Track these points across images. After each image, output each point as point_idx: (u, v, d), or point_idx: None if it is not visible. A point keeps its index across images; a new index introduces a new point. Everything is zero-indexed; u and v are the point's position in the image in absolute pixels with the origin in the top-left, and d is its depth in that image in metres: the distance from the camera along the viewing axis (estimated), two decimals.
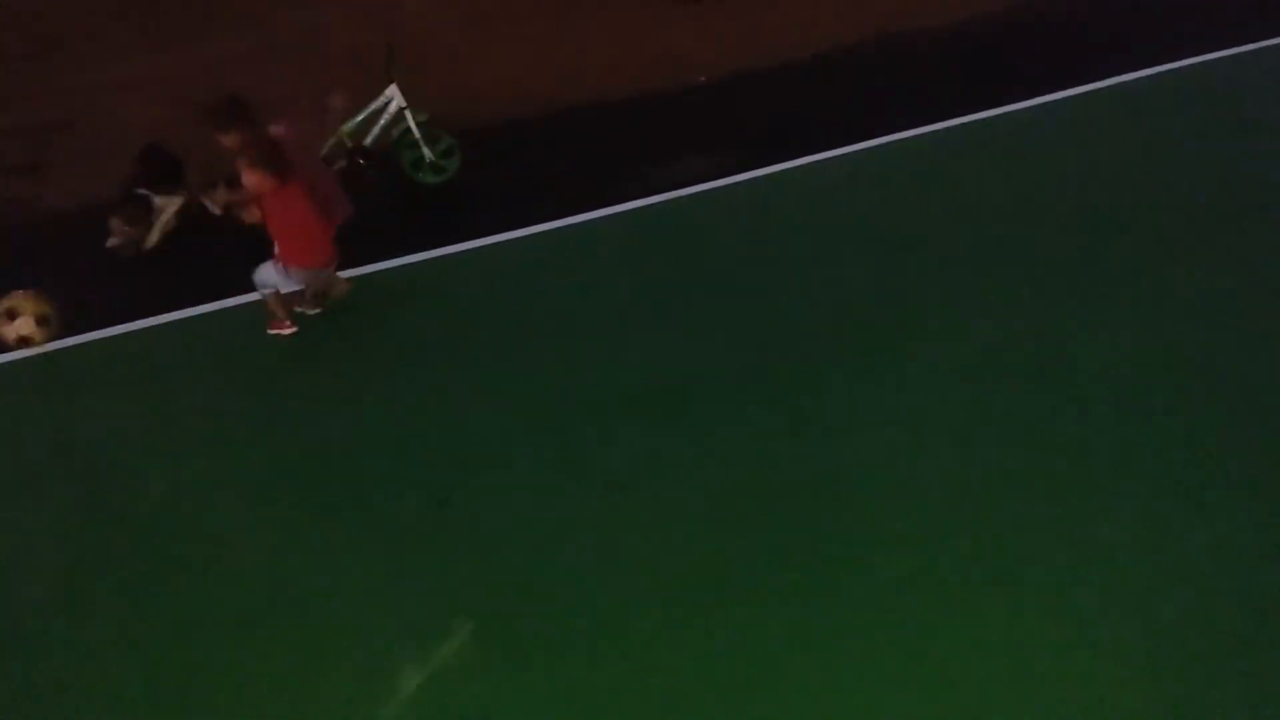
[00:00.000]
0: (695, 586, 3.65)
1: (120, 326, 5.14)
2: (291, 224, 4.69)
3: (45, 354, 4.88)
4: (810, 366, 4.70)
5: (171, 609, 3.67)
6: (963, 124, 6.74)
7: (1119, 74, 7.24)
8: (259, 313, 5.01)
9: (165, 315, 5.20)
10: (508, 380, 4.69)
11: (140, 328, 5.15)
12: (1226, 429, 4.27)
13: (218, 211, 5.75)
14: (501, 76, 7.71)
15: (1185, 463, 4.12)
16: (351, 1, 8.99)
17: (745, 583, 3.66)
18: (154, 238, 5.69)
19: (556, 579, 3.71)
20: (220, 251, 5.60)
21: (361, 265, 5.47)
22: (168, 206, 5.70)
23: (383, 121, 6.08)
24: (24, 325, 4.69)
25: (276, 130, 4.83)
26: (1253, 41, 7.66)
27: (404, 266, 5.55)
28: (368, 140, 6.12)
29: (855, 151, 6.48)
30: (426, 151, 6.17)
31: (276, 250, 4.76)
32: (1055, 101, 6.94)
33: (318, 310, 5.14)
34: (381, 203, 6.13)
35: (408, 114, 6.05)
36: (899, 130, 6.66)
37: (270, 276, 4.80)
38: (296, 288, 4.93)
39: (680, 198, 6.06)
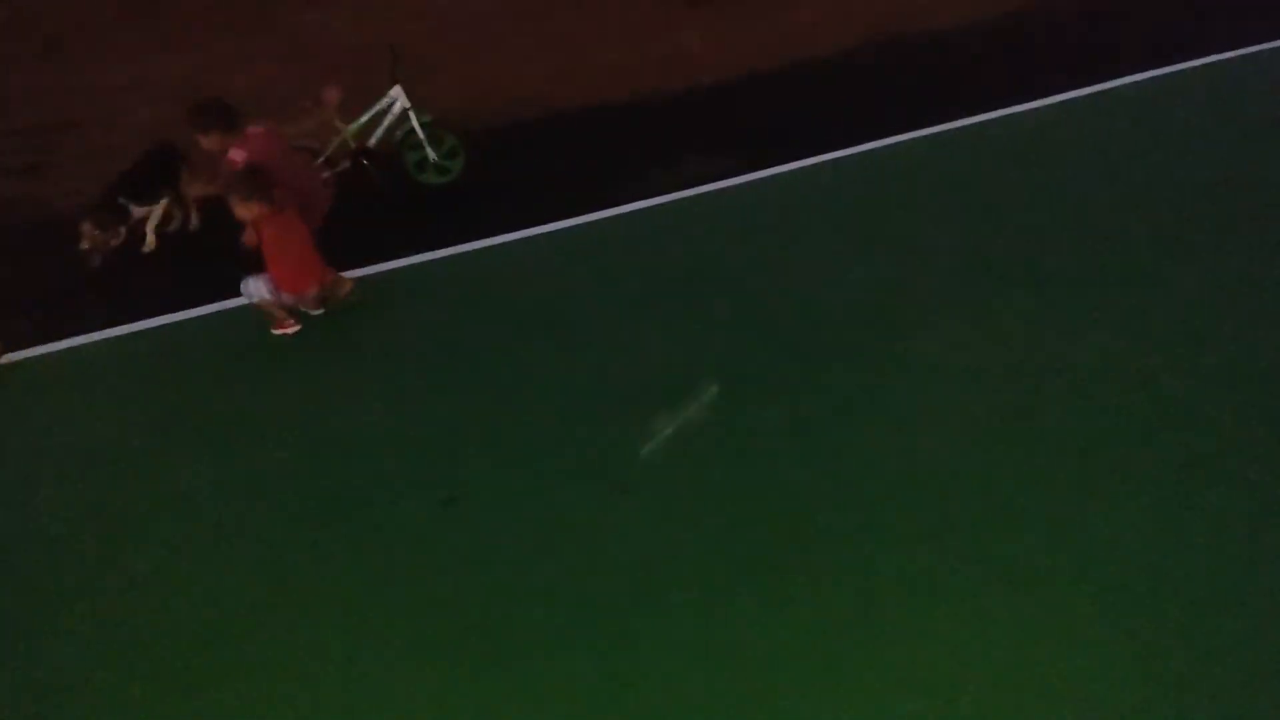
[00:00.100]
0: (698, 587, 3.66)
1: (123, 327, 5.15)
2: (287, 252, 4.74)
3: (49, 355, 4.90)
4: (813, 367, 4.71)
5: (173, 609, 3.68)
6: (966, 125, 6.76)
7: (1124, 75, 7.26)
8: (261, 313, 5.03)
9: (168, 316, 5.21)
10: (512, 380, 4.71)
11: (143, 328, 5.16)
12: (1229, 429, 4.28)
13: (195, 220, 5.76)
14: (506, 77, 7.73)
15: (1186, 462, 4.13)
16: (355, 3, 9.02)
17: (751, 583, 3.67)
18: (150, 240, 5.68)
19: (560, 579, 3.72)
20: (223, 252, 5.60)
21: (365, 266, 5.49)
22: (149, 214, 5.63)
23: (387, 122, 6.10)
24: None
25: (256, 130, 4.86)
26: (1254, 43, 7.69)
27: (408, 267, 5.56)
28: (372, 141, 6.14)
29: (859, 153, 6.50)
30: (430, 152, 6.19)
31: (269, 272, 4.79)
32: (1058, 103, 6.96)
33: (320, 310, 5.15)
34: (385, 203, 6.15)
35: (412, 115, 6.06)
36: (902, 132, 6.68)
37: (259, 290, 4.82)
38: (284, 303, 4.93)
39: (684, 199, 6.08)
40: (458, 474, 4.21)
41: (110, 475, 4.30)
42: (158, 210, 5.65)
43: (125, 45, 8.23)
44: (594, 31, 8.47)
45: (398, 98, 6.05)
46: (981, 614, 3.54)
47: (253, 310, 5.03)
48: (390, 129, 6.13)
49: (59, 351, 5.00)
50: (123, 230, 5.53)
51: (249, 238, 4.73)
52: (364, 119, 6.08)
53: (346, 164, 6.11)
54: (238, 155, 4.73)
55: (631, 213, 5.97)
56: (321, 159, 6.02)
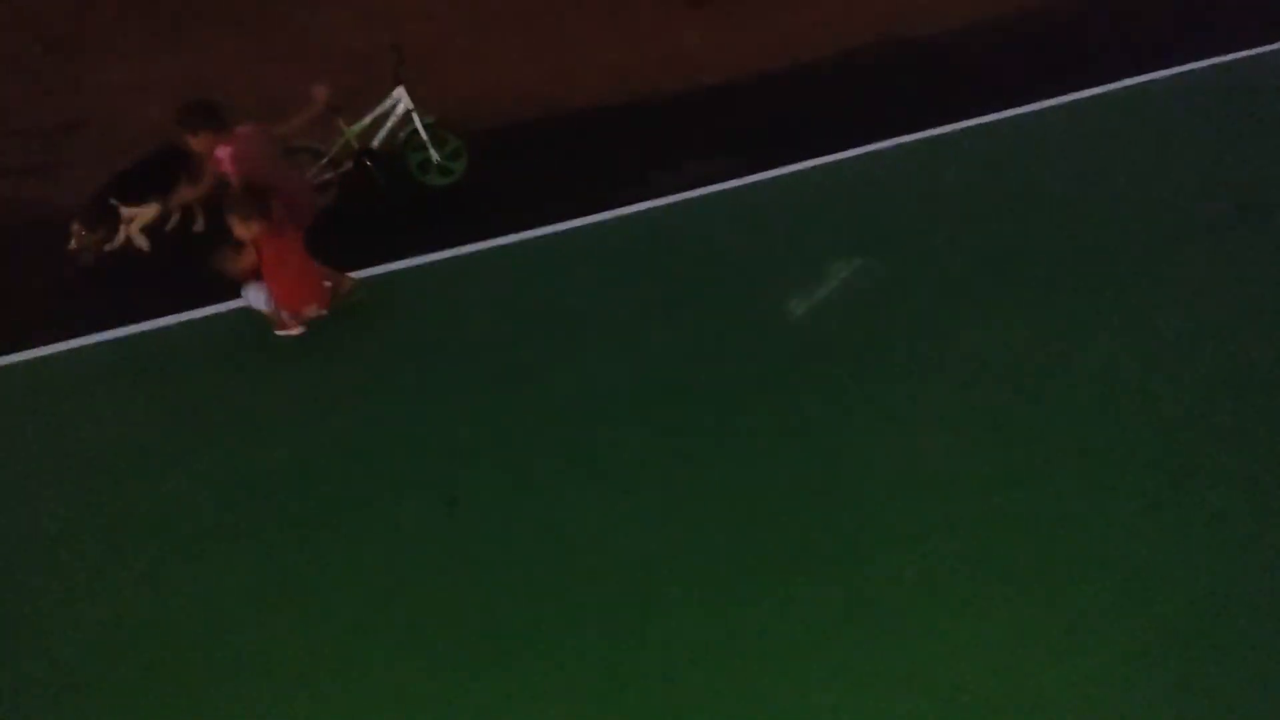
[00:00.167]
0: (702, 588, 3.68)
1: (129, 328, 5.18)
2: (287, 273, 4.75)
3: (54, 355, 4.94)
4: (814, 367, 4.72)
5: (173, 609, 3.70)
6: (970, 126, 6.75)
7: (1127, 77, 7.24)
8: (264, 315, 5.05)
9: (173, 316, 5.23)
10: (515, 382, 4.72)
11: (149, 329, 5.19)
12: (1228, 429, 4.28)
13: (201, 223, 5.72)
14: (508, 78, 7.73)
15: (1186, 462, 4.13)
16: (360, 4, 9.03)
17: (752, 583, 3.69)
18: (118, 240, 5.55)
19: (561, 580, 3.74)
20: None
21: (369, 267, 5.51)
22: (138, 216, 5.54)
23: (390, 124, 6.11)
24: None
25: (245, 130, 4.88)
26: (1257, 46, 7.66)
27: (411, 268, 5.58)
28: (374, 142, 6.15)
29: (860, 154, 6.50)
30: (433, 153, 6.20)
31: (270, 291, 4.81)
32: (1061, 105, 6.94)
33: (324, 312, 5.17)
34: (388, 205, 6.17)
35: (415, 116, 6.08)
36: (904, 133, 6.67)
37: (258, 300, 4.84)
38: (283, 317, 4.96)
39: (687, 200, 6.09)
40: (459, 475, 4.23)
41: (112, 476, 4.33)
42: (145, 213, 5.56)
43: (131, 45, 8.25)
44: (596, 32, 8.47)
45: (401, 99, 6.06)
46: (981, 614, 3.55)
47: (255, 311, 5.06)
48: (393, 130, 6.14)
49: (64, 352, 5.03)
50: (118, 230, 5.49)
51: (248, 259, 4.72)
52: (367, 120, 6.09)
53: (349, 165, 6.12)
54: (224, 154, 4.77)
55: (633, 214, 5.98)
56: (325, 160, 6.03)
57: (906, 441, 4.28)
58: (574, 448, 4.34)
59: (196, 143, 4.78)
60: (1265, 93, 7.02)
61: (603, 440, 4.37)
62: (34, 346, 5.09)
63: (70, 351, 5.06)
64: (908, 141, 6.61)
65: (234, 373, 4.85)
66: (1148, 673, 3.34)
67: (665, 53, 8.08)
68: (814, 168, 6.38)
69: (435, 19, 8.71)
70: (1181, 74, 7.29)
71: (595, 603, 3.65)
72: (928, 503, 3.99)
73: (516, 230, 5.83)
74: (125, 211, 5.50)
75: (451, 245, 5.73)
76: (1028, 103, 6.97)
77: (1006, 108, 6.89)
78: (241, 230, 4.67)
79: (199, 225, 5.75)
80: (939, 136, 6.64)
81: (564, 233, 5.86)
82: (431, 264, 5.61)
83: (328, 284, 5.09)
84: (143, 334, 5.17)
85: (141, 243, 5.64)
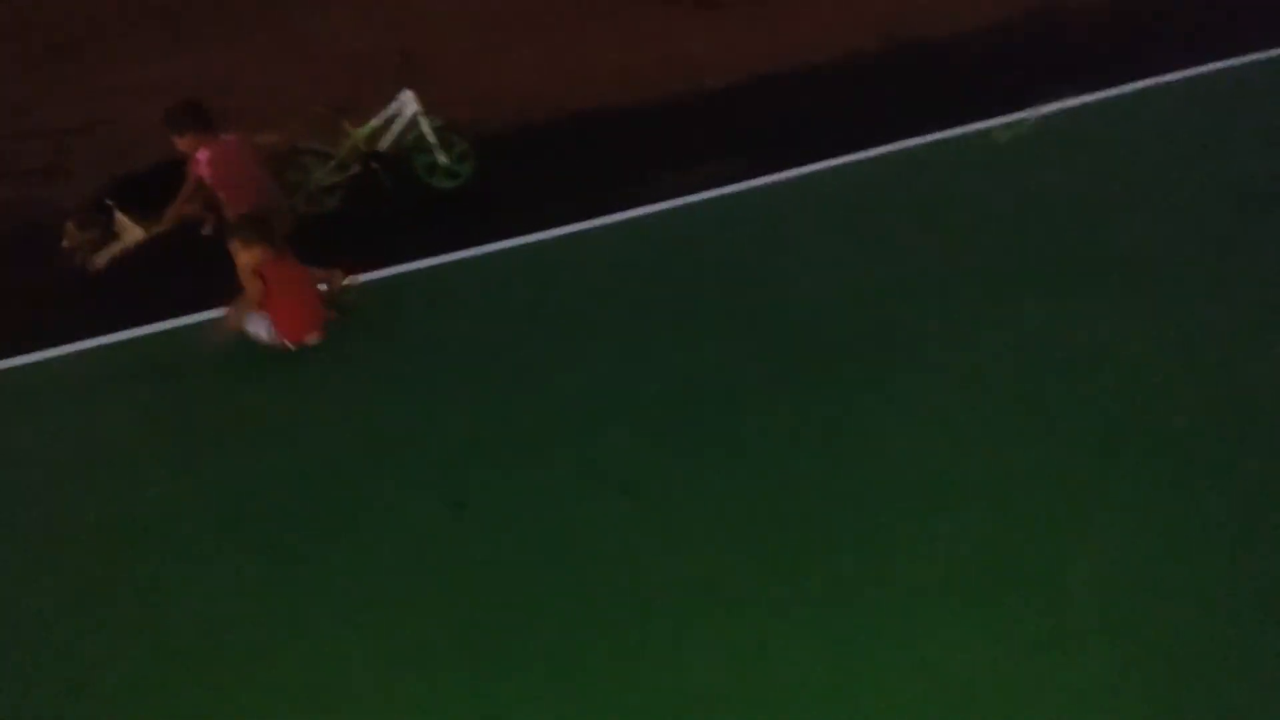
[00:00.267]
0: (711, 593, 3.67)
1: (132, 330, 5.19)
2: (289, 300, 4.76)
3: (62, 356, 4.95)
4: (825, 372, 4.71)
5: (177, 614, 3.71)
6: (977, 129, 6.74)
7: (1134, 80, 7.23)
8: None
9: (181, 318, 5.24)
10: (522, 385, 4.73)
11: (156, 330, 5.20)
12: (1240, 432, 4.27)
13: (209, 226, 5.68)
14: (515, 81, 7.75)
15: (1199, 465, 4.12)
16: (367, 6, 9.05)
17: (762, 589, 3.68)
18: (103, 259, 5.41)
19: (572, 584, 3.74)
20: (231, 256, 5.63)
21: (375, 269, 5.52)
22: (128, 231, 5.42)
23: (397, 126, 6.13)
24: None
25: (229, 137, 4.90)
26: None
27: (418, 271, 5.59)
28: (382, 145, 6.17)
29: (866, 158, 6.50)
30: (441, 156, 6.21)
31: (270, 319, 4.80)
32: (1068, 108, 6.93)
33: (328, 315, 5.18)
34: (395, 207, 6.19)
35: (422, 119, 6.09)
36: (909, 135, 6.67)
37: (258, 331, 4.84)
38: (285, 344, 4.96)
39: (691, 203, 6.09)
40: (466, 479, 4.23)
41: (114, 479, 4.32)
42: (132, 234, 5.39)
43: (138, 48, 8.29)
44: (601, 35, 8.48)
45: (408, 102, 6.07)
46: (987, 617, 3.54)
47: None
48: (400, 133, 6.15)
49: (68, 355, 5.05)
50: (111, 234, 5.40)
51: (253, 285, 4.70)
52: (374, 123, 6.11)
53: (356, 168, 6.14)
54: (203, 156, 4.80)
55: (638, 217, 5.98)
56: (332, 162, 6.05)
57: (914, 444, 4.27)
58: (581, 451, 4.34)
59: (181, 143, 4.83)
60: (1276, 95, 7.00)
61: (609, 444, 4.36)
62: (37, 349, 5.10)
63: (74, 354, 5.07)
64: (912, 144, 6.60)
65: (238, 376, 4.85)
66: (1153, 678, 3.34)
67: (670, 55, 8.09)
68: (820, 170, 6.38)
69: (441, 22, 8.73)
70: (1189, 77, 7.27)
71: (601, 607, 3.64)
72: (935, 506, 3.98)
73: (523, 233, 5.83)
74: (119, 217, 5.43)
75: (457, 248, 5.73)
76: (1035, 105, 6.96)
77: (1014, 110, 6.88)
78: (243, 255, 4.67)
79: (207, 229, 5.76)
80: (943, 140, 6.63)
81: (570, 235, 5.86)
82: (437, 267, 5.62)
83: (323, 287, 5.09)
84: (145, 337, 5.18)
85: (102, 261, 5.44)
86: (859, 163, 6.46)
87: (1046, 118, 3.85)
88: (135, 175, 5.54)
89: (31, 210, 6.27)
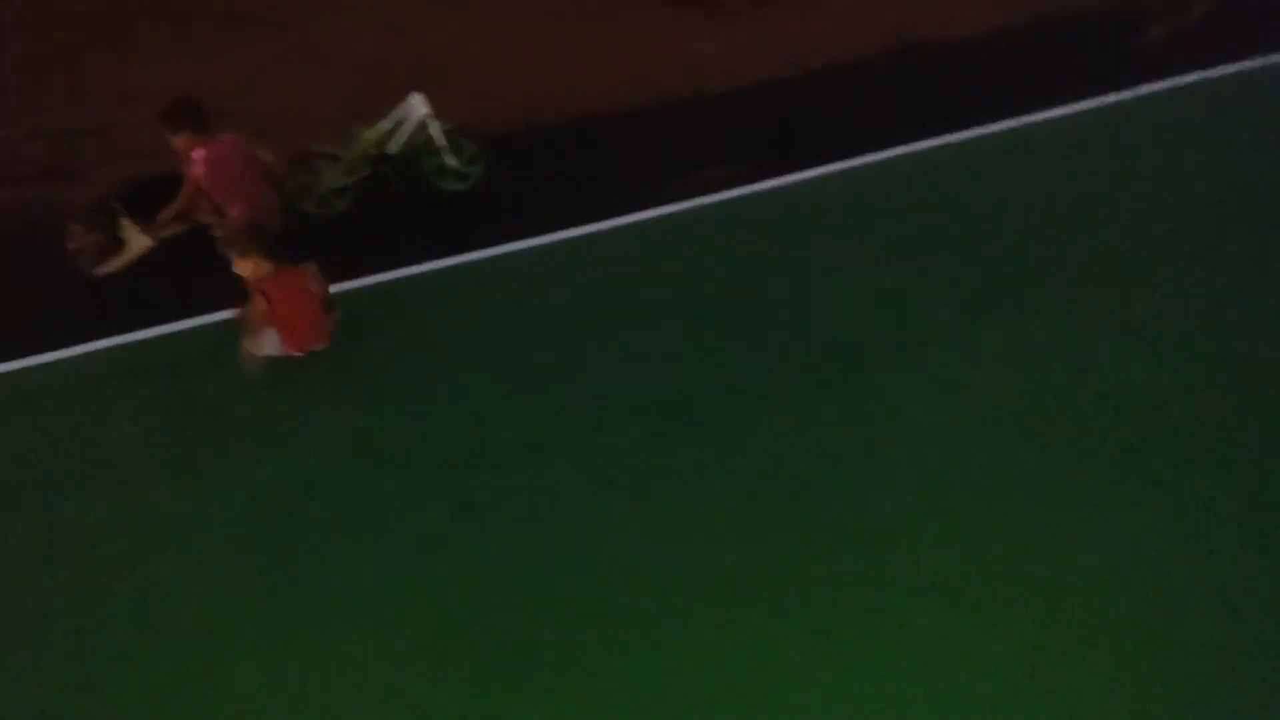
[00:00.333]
0: (716, 594, 3.67)
1: (140, 332, 5.20)
2: (291, 311, 4.75)
3: (71, 357, 4.97)
4: (829, 375, 4.71)
5: (184, 615, 3.71)
6: (986, 134, 6.74)
7: (1146, 83, 7.21)
8: None
9: (188, 320, 5.26)
10: (529, 387, 4.73)
11: (164, 332, 5.21)
12: (1249, 437, 4.26)
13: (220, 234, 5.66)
14: (524, 84, 7.77)
15: (1213, 474, 4.10)
16: (376, 10, 9.09)
17: (765, 591, 3.67)
18: (111, 266, 5.38)
19: (575, 585, 3.73)
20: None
21: (384, 271, 5.53)
22: (136, 239, 5.36)
23: (407, 129, 6.14)
24: None
25: (226, 136, 4.90)
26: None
27: (426, 273, 5.60)
28: (392, 148, 6.18)
29: (874, 161, 6.50)
30: (450, 159, 6.23)
31: (277, 332, 4.81)
32: (1079, 112, 6.93)
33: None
34: (404, 210, 6.20)
35: (431, 122, 6.10)
36: (916, 140, 6.67)
37: (272, 345, 4.84)
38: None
39: (699, 206, 6.10)
40: (472, 480, 4.23)
41: (121, 482, 4.32)
42: (139, 243, 5.35)
43: (151, 50, 8.32)
44: (609, 39, 8.50)
45: (417, 105, 6.09)
46: (993, 621, 3.53)
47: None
48: (410, 136, 6.17)
49: (76, 356, 5.06)
50: (116, 238, 5.37)
51: (258, 300, 4.69)
52: (384, 125, 6.13)
53: (366, 170, 6.15)
54: (199, 156, 4.80)
55: (646, 220, 5.99)
56: (342, 165, 6.06)
57: (929, 450, 4.27)
58: (586, 454, 4.34)
59: (177, 141, 4.82)
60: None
61: (613, 446, 4.36)
62: (46, 350, 5.12)
63: (82, 356, 5.08)
64: (919, 149, 6.60)
65: (243, 380, 4.84)
66: (1177, 689, 3.32)
67: (679, 60, 8.10)
68: (827, 174, 6.38)
69: (451, 26, 8.76)
70: (1208, 81, 7.26)
71: (607, 610, 3.64)
72: (950, 512, 3.97)
73: (531, 235, 5.84)
74: (124, 223, 5.39)
75: (466, 250, 5.74)
76: (1047, 109, 6.95)
77: (1025, 114, 6.88)
78: (243, 267, 4.66)
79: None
80: (949, 144, 6.63)
81: (578, 238, 5.87)
82: (446, 269, 5.63)
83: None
84: (154, 339, 5.20)
85: (110, 268, 5.42)
86: (863, 167, 6.46)
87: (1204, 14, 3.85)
88: (145, 183, 5.55)
89: (39, 212, 6.29)
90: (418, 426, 4.54)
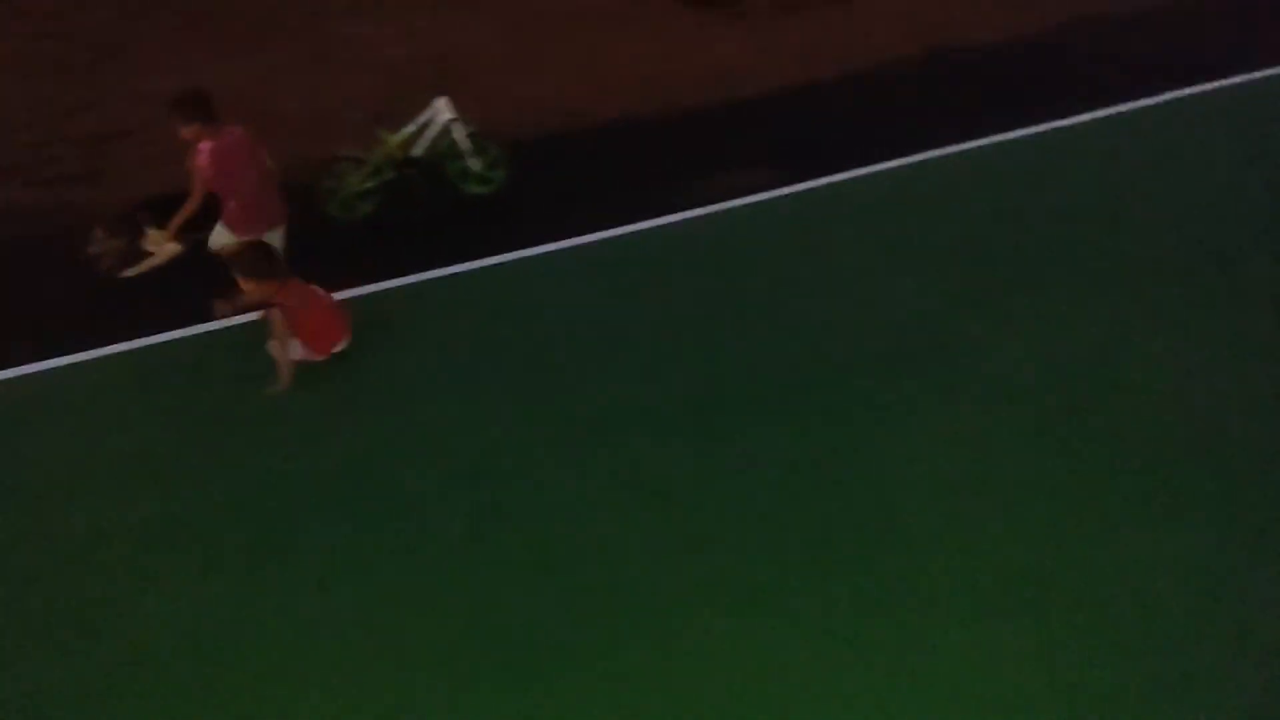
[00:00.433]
0: (735, 599, 3.64)
1: (160, 335, 5.21)
2: (311, 319, 4.75)
3: (90, 360, 5.00)
4: (855, 381, 4.66)
5: (196, 622, 3.69)
6: (1012, 139, 6.69)
7: (1172, 90, 7.15)
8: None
9: (203, 325, 5.26)
10: (548, 392, 4.70)
11: (179, 336, 5.22)
12: (1263, 446, 4.19)
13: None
14: (548, 88, 7.78)
15: (1225, 484, 4.05)
16: (401, 15, 9.14)
17: (785, 598, 3.64)
18: (137, 272, 5.41)
19: (590, 593, 3.70)
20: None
21: (407, 275, 5.53)
22: (163, 247, 5.37)
23: (431, 133, 6.16)
24: None
25: (234, 129, 4.90)
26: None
27: (449, 276, 5.59)
28: (416, 151, 6.20)
29: (902, 166, 6.46)
30: (474, 162, 6.24)
31: (300, 341, 4.81)
32: (1105, 117, 6.86)
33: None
34: (427, 213, 6.21)
35: (455, 125, 6.11)
36: (947, 145, 6.62)
37: (295, 352, 4.83)
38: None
39: (726, 210, 6.07)
40: (493, 482, 4.20)
41: (135, 486, 4.29)
42: (167, 250, 5.37)
43: (180, 54, 8.40)
44: (635, 44, 8.51)
45: (442, 108, 6.10)
46: (1000, 626, 3.49)
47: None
48: (434, 139, 6.18)
49: (98, 358, 5.07)
50: (139, 245, 5.38)
51: (273, 315, 4.67)
52: (409, 129, 6.14)
53: (390, 174, 6.17)
54: (205, 147, 4.80)
55: (670, 224, 5.97)
56: (367, 168, 6.08)
57: (936, 455, 4.23)
58: (607, 457, 4.31)
59: (186, 132, 4.84)
60: None
61: (635, 450, 4.33)
62: (70, 353, 5.13)
63: (104, 358, 5.09)
64: (946, 154, 6.56)
65: (260, 383, 4.83)
66: (1162, 686, 3.26)
67: (703, 64, 8.10)
68: (852, 179, 6.35)
69: (476, 31, 8.80)
70: (1230, 87, 7.18)
71: (630, 614, 3.61)
72: (971, 519, 3.92)
73: (554, 239, 5.83)
74: (149, 232, 5.39)
75: (490, 254, 5.74)
76: (1073, 115, 6.89)
77: (1051, 120, 6.81)
78: (251, 289, 4.63)
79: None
80: (977, 149, 6.58)
81: (601, 242, 5.85)
82: (470, 272, 5.62)
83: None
84: (171, 342, 5.20)
85: (135, 273, 5.43)
86: (890, 171, 6.42)
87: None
88: (173, 196, 5.56)
89: (64, 214, 6.34)
90: (439, 429, 4.52)
